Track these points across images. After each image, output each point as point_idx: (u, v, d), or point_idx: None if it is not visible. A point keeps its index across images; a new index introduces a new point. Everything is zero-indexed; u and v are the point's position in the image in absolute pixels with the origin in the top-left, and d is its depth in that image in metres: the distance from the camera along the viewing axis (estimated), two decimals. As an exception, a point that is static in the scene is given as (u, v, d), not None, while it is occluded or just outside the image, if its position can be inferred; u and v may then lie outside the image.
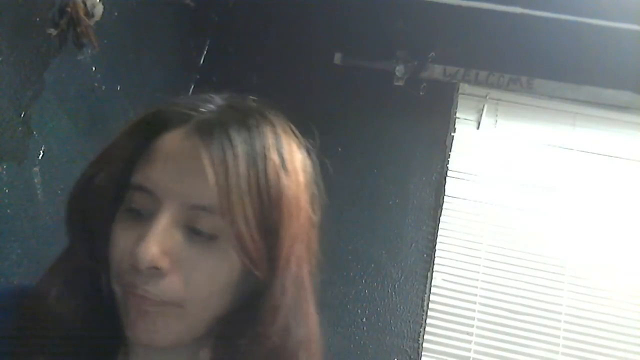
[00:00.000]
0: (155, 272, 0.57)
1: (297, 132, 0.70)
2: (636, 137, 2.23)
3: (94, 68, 1.59)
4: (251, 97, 0.70)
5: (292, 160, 0.64)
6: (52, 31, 1.36)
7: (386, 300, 2.05)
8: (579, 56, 2.30)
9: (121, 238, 0.59)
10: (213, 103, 0.65)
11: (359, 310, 2.04)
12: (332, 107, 2.32)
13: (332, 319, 2.02)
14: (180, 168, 0.59)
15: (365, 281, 2.07)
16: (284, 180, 0.61)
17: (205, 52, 2.42)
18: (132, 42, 1.81)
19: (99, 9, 1.44)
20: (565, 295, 2.01)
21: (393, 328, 2.01)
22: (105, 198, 0.62)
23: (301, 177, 0.65)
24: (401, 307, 2.04)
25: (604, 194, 2.14)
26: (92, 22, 1.44)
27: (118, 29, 1.69)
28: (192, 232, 0.59)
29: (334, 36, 2.41)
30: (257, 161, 0.60)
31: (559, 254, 2.07)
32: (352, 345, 2.00)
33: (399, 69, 2.33)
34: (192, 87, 2.35)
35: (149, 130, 0.63)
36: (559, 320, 1.98)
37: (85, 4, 1.40)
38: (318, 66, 2.38)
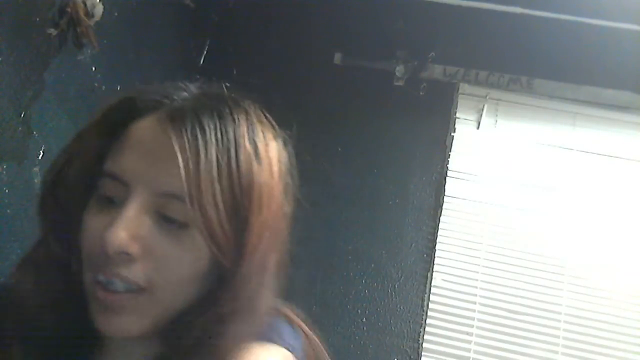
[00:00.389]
0: (125, 257, 0.57)
1: (273, 122, 0.69)
2: (636, 137, 2.23)
3: (94, 68, 1.59)
4: (225, 84, 0.71)
5: (266, 150, 0.64)
6: (52, 31, 1.36)
7: (386, 300, 2.05)
8: (579, 56, 2.30)
9: (92, 225, 0.60)
10: (186, 91, 0.66)
11: (359, 310, 2.04)
12: (332, 107, 2.32)
13: (332, 319, 2.02)
14: (152, 155, 0.59)
15: (365, 281, 2.08)
16: (256, 168, 0.61)
17: (205, 52, 2.42)
18: (132, 42, 1.81)
19: (99, 9, 1.44)
20: (565, 295, 2.01)
21: (393, 328, 2.01)
22: (78, 186, 0.62)
23: (275, 167, 0.64)
24: (401, 307, 2.04)
25: (604, 194, 2.14)
26: (92, 22, 1.44)
27: (118, 29, 1.69)
28: (163, 219, 0.59)
29: (334, 36, 2.41)
30: (230, 149, 0.60)
31: (559, 254, 2.07)
32: (352, 345, 2.00)
33: (399, 69, 2.33)
34: (192, 87, 2.35)
35: (121, 117, 0.63)
36: (559, 320, 1.98)
37: (85, 4, 1.40)
38: (318, 66, 2.38)
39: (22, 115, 1.33)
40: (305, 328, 0.71)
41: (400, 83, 2.33)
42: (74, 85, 1.51)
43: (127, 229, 0.57)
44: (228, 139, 0.60)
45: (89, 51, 1.53)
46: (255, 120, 0.66)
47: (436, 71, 2.34)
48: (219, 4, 2.43)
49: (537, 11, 2.33)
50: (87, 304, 0.61)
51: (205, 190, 0.57)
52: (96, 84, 1.62)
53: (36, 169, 1.40)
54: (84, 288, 0.61)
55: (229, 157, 0.59)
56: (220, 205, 0.58)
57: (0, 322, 0.63)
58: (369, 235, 2.12)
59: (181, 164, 0.57)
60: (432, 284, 2.05)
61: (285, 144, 0.69)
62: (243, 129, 0.62)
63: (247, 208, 0.60)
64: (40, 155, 1.41)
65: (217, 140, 0.59)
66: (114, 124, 0.62)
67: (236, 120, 0.62)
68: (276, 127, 0.69)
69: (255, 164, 0.61)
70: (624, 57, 2.26)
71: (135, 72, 1.87)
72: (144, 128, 0.61)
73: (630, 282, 2.03)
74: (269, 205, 0.62)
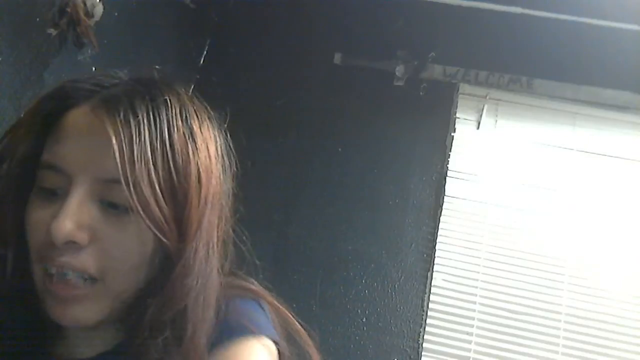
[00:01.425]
0: (73, 246, 0.57)
1: (205, 104, 0.69)
2: (636, 137, 2.23)
3: (94, 68, 1.59)
4: (156, 67, 0.70)
5: (201, 129, 0.64)
6: (52, 31, 1.36)
7: (386, 300, 2.05)
8: (579, 56, 2.30)
9: (36, 217, 0.59)
10: (117, 78, 0.66)
11: (359, 310, 2.04)
12: (332, 107, 2.32)
13: (332, 319, 2.02)
14: (89, 143, 0.59)
15: (365, 281, 2.08)
16: (192, 148, 0.62)
17: (205, 52, 2.42)
18: (132, 42, 1.81)
19: (99, 9, 1.44)
20: (565, 295, 2.01)
21: (393, 328, 2.01)
22: (16, 180, 0.62)
23: (211, 146, 0.65)
24: (401, 307, 2.04)
25: (604, 194, 2.14)
26: (92, 22, 1.44)
27: (118, 29, 1.69)
28: (107, 205, 0.59)
29: (334, 36, 2.41)
30: (163, 130, 0.60)
31: (559, 254, 2.07)
32: (352, 345, 2.00)
33: (399, 69, 2.33)
34: (192, 87, 2.35)
35: (54, 107, 0.63)
36: (559, 320, 1.98)
37: (85, 4, 1.40)
38: (318, 66, 2.38)
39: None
40: (270, 299, 0.71)
41: (400, 83, 2.33)
42: (74, 85, 1.51)
43: (72, 218, 0.57)
44: (161, 121, 0.60)
45: (89, 51, 1.53)
46: (187, 101, 0.66)
47: (436, 71, 2.34)
48: (219, 4, 2.43)
49: (537, 11, 2.33)
50: (39, 297, 0.60)
51: (140, 173, 0.57)
52: (96, 84, 1.62)
53: (36, 169, 1.40)
54: (32, 281, 0.61)
55: (162, 139, 0.59)
56: (156, 187, 0.58)
57: None
58: (369, 235, 2.12)
59: (115, 149, 0.56)
60: (432, 284, 2.05)
61: (217, 122, 0.70)
62: (176, 110, 0.62)
63: (185, 187, 0.60)
64: (40, 155, 1.41)
65: (149, 122, 0.59)
66: (48, 115, 0.62)
67: (169, 103, 0.62)
68: (208, 108, 0.69)
69: (190, 143, 0.62)
70: (624, 57, 2.26)
71: (135, 72, 1.87)
72: (79, 116, 0.61)
73: (630, 282, 2.03)
74: (208, 183, 0.62)
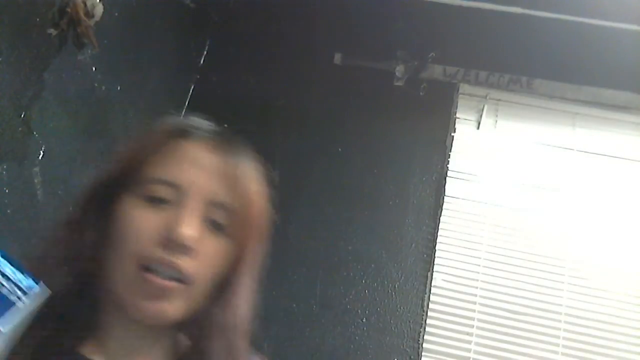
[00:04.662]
0: (185, 250, 0.68)
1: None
2: (636, 137, 2.23)
3: (94, 68, 1.59)
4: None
5: (262, 182, 0.79)
6: (52, 31, 1.36)
7: (386, 300, 2.05)
8: (579, 56, 2.30)
9: (145, 220, 0.69)
10: (212, 126, 0.80)
11: (359, 310, 2.04)
12: (332, 107, 2.32)
13: (332, 319, 2.02)
14: (206, 171, 0.72)
15: (365, 281, 2.07)
16: (263, 193, 0.77)
17: (205, 52, 2.42)
18: (132, 42, 1.81)
19: (99, 9, 1.44)
20: (565, 295, 2.01)
21: (393, 328, 2.01)
22: (123, 186, 0.72)
23: (265, 198, 0.79)
24: (401, 307, 2.04)
25: (604, 194, 2.14)
26: (92, 22, 1.44)
27: (118, 29, 1.69)
28: (210, 223, 0.71)
29: (334, 36, 2.41)
30: (253, 176, 0.76)
31: (559, 254, 2.07)
32: (352, 345, 2.00)
33: (399, 69, 2.33)
34: (192, 87, 2.35)
35: (169, 136, 0.75)
36: (559, 320, 1.98)
37: (85, 4, 1.40)
38: (318, 66, 2.38)
39: (22, 115, 1.33)
40: None
41: (400, 83, 2.33)
42: (74, 85, 1.51)
43: (194, 227, 0.68)
44: (252, 170, 0.76)
45: (89, 51, 1.53)
46: (254, 157, 0.80)
47: (436, 71, 2.34)
48: (219, 4, 2.43)
49: (537, 11, 2.33)
50: (114, 294, 0.69)
51: (246, 205, 0.73)
52: (96, 84, 1.62)
53: (36, 169, 1.40)
54: (101, 276, 0.70)
55: (254, 182, 0.76)
56: (250, 219, 0.74)
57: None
58: (369, 235, 2.12)
59: (235, 182, 0.73)
60: (432, 284, 2.05)
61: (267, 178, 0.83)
62: (253, 163, 0.78)
63: (260, 229, 0.76)
64: (40, 155, 1.41)
65: (248, 167, 0.76)
66: (162, 141, 0.75)
67: (249, 156, 0.78)
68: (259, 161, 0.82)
69: (262, 191, 0.77)
70: (624, 57, 2.26)
71: (135, 72, 1.87)
72: (196, 149, 0.74)
73: (630, 282, 2.03)
74: (264, 227, 0.78)
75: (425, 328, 2.00)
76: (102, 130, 1.71)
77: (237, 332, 0.74)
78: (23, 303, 0.52)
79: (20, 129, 1.33)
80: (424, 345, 1.98)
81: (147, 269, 0.67)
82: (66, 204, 1.53)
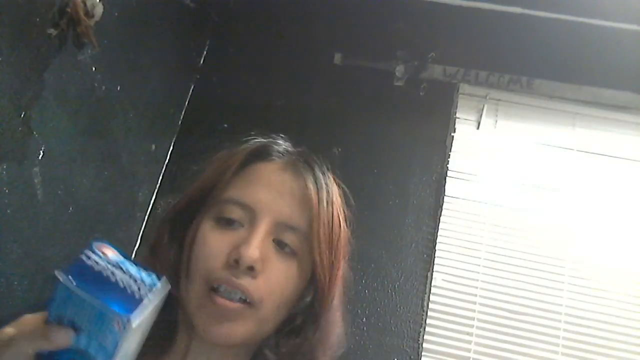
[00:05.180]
0: (249, 272, 0.68)
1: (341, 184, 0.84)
2: (636, 137, 2.23)
3: (94, 68, 1.59)
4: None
5: (344, 209, 0.81)
6: (52, 31, 1.36)
7: (386, 300, 2.05)
8: (579, 56, 2.30)
9: (216, 241, 0.70)
10: (292, 147, 0.83)
11: (359, 310, 2.04)
12: (332, 107, 2.32)
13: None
14: (279, 192, 0.73)
15: (365, 281, 2.07)
16: (342, 220, 0.79)
17: (205, 52, 2.42)
18: (132, 42, 1.81)
19: (99, 9, 1.44)
20: (565, 295, 2.01)
21: (393, 328, 2.01)
22: (200, 208, 0.74)
23: (344, 220, 0.81)
24: (401, 307, 2.04)
25: (604, 194, 2.14)
26: (92, 22, 1.44)
27: (118, 29, 1.69)
28: (278, 245, 0.71)
29: (334, 36, 2.41)
30: (331, 198, 0.77)
31: (559, 254, 2.07)
32: (352, 345, 1.99)
33: (399, 69, 2.33)
34: (192, 87, 2.35)
35: (246, 158, 0.77)
36: (559, 320, 1.98)
37: (85, 4, 1.40)
38: (318, 66, 2.38)
39: (22, 115, 1.33)
40: None
41: (400, 83, 2.33)
42: (74, 85, 1.51)
43: (258, 249, 0.68)
44: (329, 193, 0.77)
45: (89, 51, 1.53)
46: (333, 178, 0.82)
47: (436, 71, 2.34)
48: (219, 4, 2.43)
49: (537, 11, 2.33)
50: (187, 314, 0.70)
51: (322, 228, 0.73)
52: (96, 84, 1.62)
53: (36, 169, 1.40)
54: (179, 298, 0.71)
55: (332, 205, 0.76)
56: (327, 243, 0.73)
57: None
58: (369, 235, 2.12)
59: (312, 205, 0.72)
60: (432, 284, 2.05)
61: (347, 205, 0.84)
62: (335, 187, 0.80)
63: (336, 250, 0.76)
64: (40, 155, 1.41)
65: (326, 191, 0.76)
66: (242, 163, 0.77)
67: (329, 178, 0.79)
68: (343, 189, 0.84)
69: (340, 214, 0.79)
70: (624, 57, 2.26)
71: (135, 72, 1.87)
72: (272, 169, 0.76)
73: (630, 282, 2.02)
74: (345, 248, 0.80)
75: (425, 328, 2.00)
76: (102, 130, 1.71)
77: None
78: (148, 299, 0.54)
79: (20, 129, 1.33)
80: (424, 345, 1.98)
81: (214, 290, 0.68)
82: (66, 204, 1.53)
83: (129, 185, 1.93)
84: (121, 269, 0.54)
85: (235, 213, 0.72)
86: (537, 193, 2.15)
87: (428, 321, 2.01)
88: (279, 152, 0.80)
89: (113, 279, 0.53)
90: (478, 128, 2.26)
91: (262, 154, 0.78)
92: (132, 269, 0.55)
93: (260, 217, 0.71)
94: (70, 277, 0.52)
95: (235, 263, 0.67)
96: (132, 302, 0.52)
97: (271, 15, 2.45)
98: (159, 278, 0.56)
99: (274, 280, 0.70)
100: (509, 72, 2.31)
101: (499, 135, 2.25)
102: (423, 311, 2.03)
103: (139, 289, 0.53)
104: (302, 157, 0.80)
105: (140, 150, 2.00)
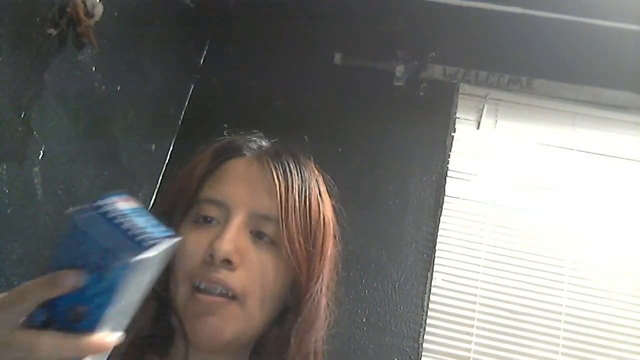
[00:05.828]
0: (227, 265, 0.68)
1: (324, 173, 0.85)
2: (636, 137, 2.23)
3: (94, 68, 1.59)
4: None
5: (325, 194, 0.80)
6: (52, 31, 1.36)
7: (386, 300, 2.05)
8: (579, 56, 2.30)
9: (194, 240, 0.70)
10: (264, 141, 0.83)
11: (359, 310, 2.03)
12: (332, 107, 2.32)
13: (332, 319, 2.02)
14: (250, 185, 0.73)
15: (365, 281, 2.07)
16: (321, 206, 0.77)
17: (205, 52, 2.42)
18: (132, 42, 1.81)
19: (99, 9, 1.44)
20: (565, 295, 2.01)
21: (393, 328, 2.01)
22: (178, 209, 0.74)
23: (329, 208, 0.80)
24: (401, 307, 2.04)
25: (604, 194, 2.14)
26: (92, 22, 1.44)
27: (118, 29, 1.69)
28: (257, 236, 0.72)
29: (334, 36, 2.41)
30: (305, 187, 0.76)
31: (559, 254, 2.07)
32: (352, 345, 1.99)
33: (399, 69, 2.33)
34: (192, 87, 2.35)
35: (220, 155, 0.78)
36: (559, 320, 1.98)
37: (85, 4, 1.40)
38: (318, 66, 2.38)
39: (22, 115, 1.33)
40: None
41: (400, 83, 2.33)
42: (74, 85, 1.51)
43: (232, 241, 0.68)
44: (303, 180, 0.76)
45: (89, 51, 1.53)
46: (316, 170, 0.82)
47: (436, 71, 2.34)
48: (219, 4, 2.43)
49: (537, 11, 2.33)
50: (178, 318, 0.70)
51: (291, 217, 0.72)
52: (96, 84, 1.62)
53: (36, 169, 1.40)
54: (169, 303, 0.71)
55: (305, 194, 0.75)
56: (300, 229, 0.72)
57: None
58: (369, 235, 2.12)
59: (279, 193, 0.72)
60: (432, 284, 2.05)
61: (333, 192, 0.84)
62: (312, 175, 0.79)
63: (315, 236, 0.74)
64: (40, 155, 1.41)
65: (299, 179, 0.75)
66: (214, 161, 0.77)
67: (305, 166, 0.79)
68: (327, 177, 0.84)
69: (320, 202, 0.78)
70: (624, 57, 2.26)
71: (135, 72, 1.87)
72: (243, 164, 0.76)
73: (630, 282, 2.03)
74: (328, 238, 0.78)
75: (425, 328, 2.00)
76: (102, 130, 1.71)
77: (311, 357, 0.75)
78: (154, 247, 0.53)
79: (20, 129, 1.33)
80: (424, 345, 1.98)
81: (196, 288, 0.69)
82: (66, 204, 1.53)
83: (129, 185, 1.93)
84: (132, 217, 0.54)
85: (212, 211, 0.73)
86: (537, 193, 2.15)
87: (428, 321, 2.01)
88: (249, 147, 0.80)
89: (122, 225, 0.53)
90: (478, 128, 2.26)
91: (232, 151, 0.79)
92: (144, 220, 0.55)
93: (234, 211, 0.71)
94: (79, 217, 0.52)
95: (210, 258, 0.68)
96: (137, 247, 0.52)
97: (271, 15, 2.45)
98: (168, 233, 0.56)
99: (253, 270, 0.70)
100: (509, 72, 2.31)
101: (499, 135, 2.25)
102: (423, 311, 2.03)
103: (146, 237, 0.53)
104: (274, 147, 0.81)
105: (140, 150, 2.00)
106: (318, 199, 0.77)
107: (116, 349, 0.64)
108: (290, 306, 0.74)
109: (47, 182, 1.44)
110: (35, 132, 1.38)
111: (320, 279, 0.75)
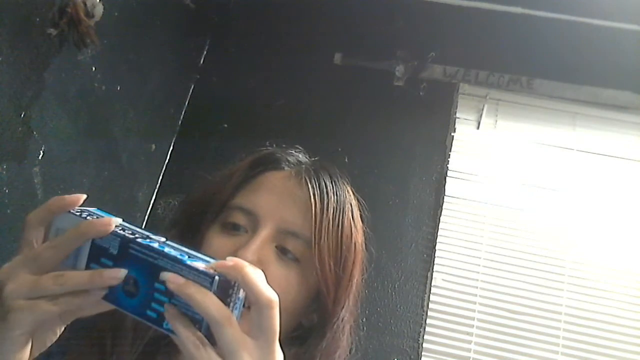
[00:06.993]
0: None
1: (359, 197, 0.84)
2: (636, 137, 2.23)
3: (94, 68, 1.59)
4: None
5: (358, 219, 0.80)
6: (52, 31, 1.36)
7: (386, 300, 2.05)
8: (579, 56, 2.30)
9: (219, 245, 0.71)
10: (304, 156, 0.83)
11: (359, 310, 2.03)
12: (332, 107, 2.32)
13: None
14: (284, 200, 0.73)
15: (365, 281, 2.07)
16: (354, 232, 0.78)
17: (205, 52, 2.42)
18: (132, 42, 1.81)
19: (99, 9, 1.44)
20: (565, 295, 2.01)
21: (393, 328, 2.01)
22: (211, 213, 0.75)
23: (361, 236, 0.81)
24: (401, 307, 2.04)
25: (604, 194, 2.14)
26: (92, 22, 1.44)
27: (118, 29, 1.69)
28: (281, 251, 0.71)
29: (334, 36, 2.41)
30: (340, 210, 0.75)
31: (559, 254, 2.07)
32: (351, 345, 1.99)
33: (399, 69, 2.33)
34: (192, 87, 2.35)
35: (259, 166, 0.78)
36: (559, 320, 1.98)
37: (85, 4, 1.40)
38: (318, 66, 2.38)
39: (22, 115, 1.33)
40: None
41: (400, 83, 2.33)
42: (74, 85, 1.52)
43: (256, 252, 0.68)
44: (338, 202, 0.76)
45: (89, 51, 1.53)
46: (352, 194, 0.81)
47: (436, 71, 2.34)
48: (219, 4, 2.43)
49: (537, 11, 2.33)
50: None
51: (324, 238, 0.71)
52: (96, 84, 1.62)
53: (36, 169, 1.40)
54: None
55: (339, 216, 0.75)
56: (331, 253, 0.72)
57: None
58: (369, 235, 2.12)
59: (313, 213, 0.72)
60: (432, 284, 2.05)
61: (366, 217, 0.84)
62: (348, 198, 0.78)
63: (345, 262, 0.74)
64: (40, 155, 1.41)
65: (334, 200, 0.75)
66: (251, 171, 0.78)
67: (342, 188, 0.78)
68: (361, 201, 0.84)
69: (353, 227, 0.78)
70: (624, 57, 2.26)
71: (135, 72, 1.87)
72: (278, 178, 0.76)
73: (630, 282, 2.03)
74: (359, 265, 0.79)
75: (425, 328, 2.00)
76: (102, 130, 1.71)
77: None
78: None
79: (20, 129, 1.33)
80: (424, 345, 1.98)
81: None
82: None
83: (129, 185, 1.93)
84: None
85: (241, 219, 0.73)
86: (537, 193, 2.15)
87: (428, 321, 2.01)
88: (288, 161, 0.80)
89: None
90: (478, 128, 2.26)
91: (270, 163, 0.79)
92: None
93: (263, 223, 0.71)
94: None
95: None
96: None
97: (271, 15, 2.45)
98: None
99: (274, 286, 0.67)
100: (509, 72, 2.31)
101: (499, 135, 2.25)
102: (423, 311, 2.03)
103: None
104: (313, 166, 0.80)
105: (140, 150, 2.00)
106: (351, 223, 0.77)
107: (130, 350, 0.64)
108: (314, 328, 0.75)
109: (47, 182, 1.44)
110: (35, 132, 1.38)
111: (347, 304, 0.76)
